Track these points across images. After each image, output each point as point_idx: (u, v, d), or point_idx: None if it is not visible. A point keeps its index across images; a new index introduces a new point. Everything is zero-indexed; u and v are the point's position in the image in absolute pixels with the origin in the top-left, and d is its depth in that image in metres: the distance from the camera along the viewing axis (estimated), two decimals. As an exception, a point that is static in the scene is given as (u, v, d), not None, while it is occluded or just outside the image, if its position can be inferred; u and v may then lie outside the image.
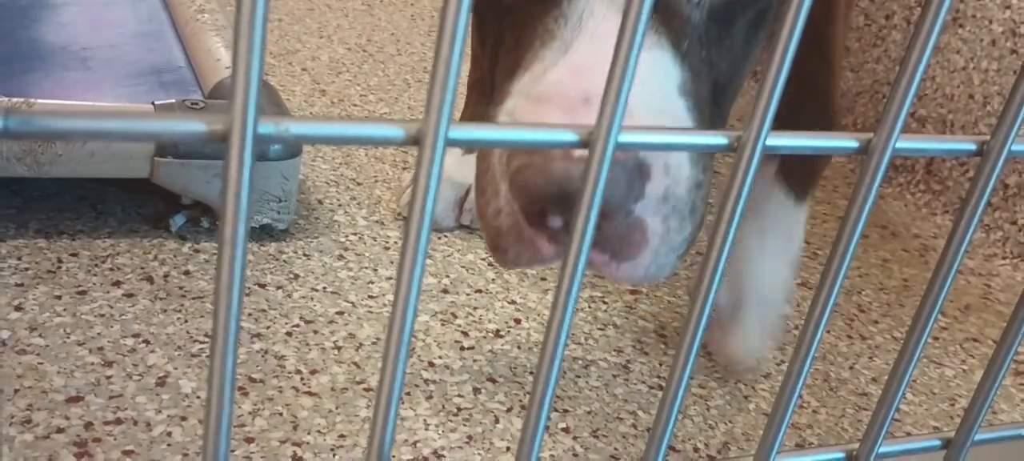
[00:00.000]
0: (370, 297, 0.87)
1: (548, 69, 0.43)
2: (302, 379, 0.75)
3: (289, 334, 0.81)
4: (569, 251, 0.36)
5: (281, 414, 0.71)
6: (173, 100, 0.88)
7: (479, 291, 0.91)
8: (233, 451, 0.67)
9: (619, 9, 0.43)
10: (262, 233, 0.94)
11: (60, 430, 0.66)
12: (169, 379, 0.73)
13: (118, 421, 0.68)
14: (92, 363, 0.73)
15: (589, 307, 0.92)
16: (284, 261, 0.91)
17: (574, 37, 0.43)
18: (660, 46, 0.43)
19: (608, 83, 0.34)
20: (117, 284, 0.83)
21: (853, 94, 1.36)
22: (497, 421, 0.75)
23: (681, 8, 0.44)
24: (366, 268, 0.92)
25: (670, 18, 0.44)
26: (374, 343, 0.81)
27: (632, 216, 0.43)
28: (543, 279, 0.95)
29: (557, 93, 0.42)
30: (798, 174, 0.79)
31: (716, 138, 0.37)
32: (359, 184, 1.07)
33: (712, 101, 0.47)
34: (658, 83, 0.43)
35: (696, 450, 0.76)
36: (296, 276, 0.89)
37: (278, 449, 0.68)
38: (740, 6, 0.46)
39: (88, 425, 0.67)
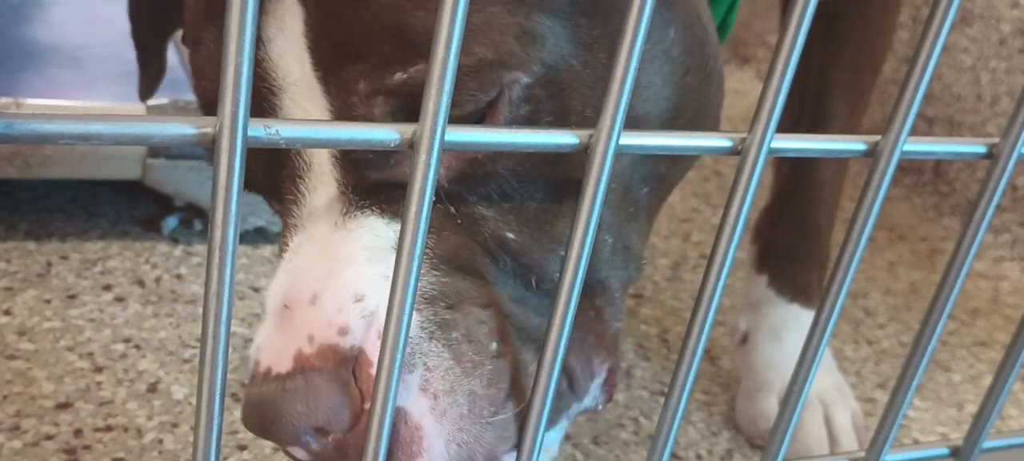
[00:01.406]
0: (367, 301, 0.86)
1: (272, 283, 0.44)
2: (296, 385, 0.74)
3: (283, 339, 0.79)
4: (567, 259, 0.35)
5: (275, 421, 0.70)
6: (166, 100, 0.87)
7: (478, 294, 0.90)
8: (225, 458, 0.66)
9: (336, 195, 0.43)
10: (256, 236, 0.93)
11: (49, 437, 0.65)
12: (160, 385, 0.72)
13: (108, 428, 0.67)
14: (82, 369, 0.72)
15: (590, 311, 0.91)
16: (279, 264, 0.90)
17: (299, 245, 0.43)
18: (364, 216, 0.42)
19: (608, 88, 0.32)
20: (108, 288, 0.82)
21: (857, 94, 1.34)
22: (495, 428, 0.73)
23: (399, 173, 0.42)
24: (363, 271, 0.90)
25: (376, 188, 0.43)
26: (370, 348, 0.79)
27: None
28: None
29: (267, 303, 0.43)
30: (792, 281, 0.78)
31: (719, 141, 0.36)
32: (356, 185, 1.06)
33: (516, 268, 0.44)
34: (357, 253, 0.42)
35: (699, 457, 0.74)
36: (291, 279, 0.87)
37: (271, 457, 0.67)
38: (499, 156, 0.42)
39: (78, 432, 0.66)
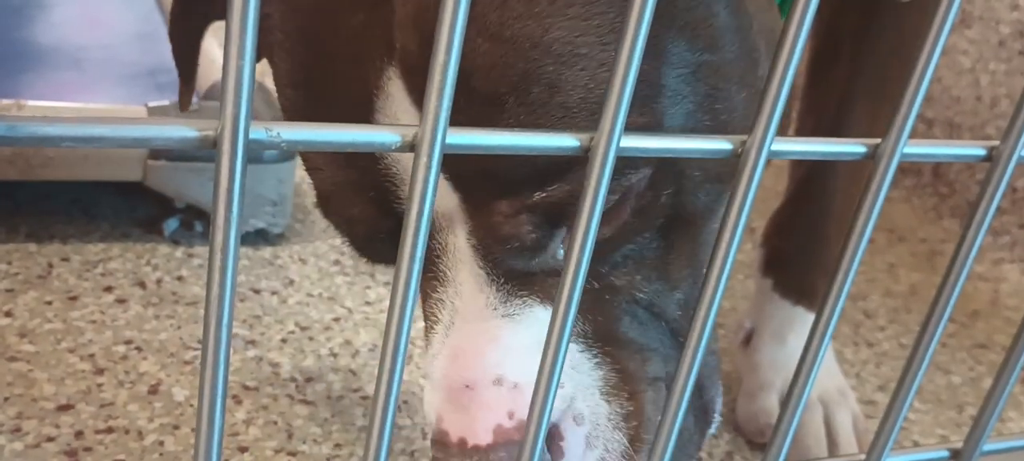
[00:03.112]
0: (366, 303, 0.86)
1: (435, 355, 0.47)
2: (297, 387, 0.74)
3: (284, 341, 0.79)
4: (568, 261, 0.35)
5: (276, 423, 0.70)
6: (167, 101, 0.87)
7: (478, 296, 0.90)
8: (227, 460, 0.66)
9: (485, 282, 0.46)
10: (257, 238, 0.93)
11: (50, 439, 0.65)
12: (161, 387, 0.72)
13: (109, 430, 0.67)
14: (83, 370, 0.72)
15: (590, 312, 0.91)
16: (279, 266, 0.90)
17: (451, 321, 0.46)
18: (527, 306, 0.46)
19: (609, 88, 0.32)
20: (109, 289, 0.82)
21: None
22: (496, 430, 0.73)
23: (545, 265, 0.46)
24: (362, 273, 0.91)
25: (531, 278, 0.46)
26: (371, 350, 0.79)
27: None
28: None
29: (442, 381, 0.46)
30: (797, 284, 0.78)
31: (719, 144, 0.36)
32: (357, 187, 1.06)
33: (650, 319, 0.48)
34: (537, 344, 0.44)
35: (699, 459, 0.74)
36: (291, 282, 0.88)
37: (273, 458, 0.67)
38: (626, 232, 0.46)
39: (79, 434, 0.66)
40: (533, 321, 0.46)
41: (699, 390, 0.50)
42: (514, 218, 0.44)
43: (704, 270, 0.50)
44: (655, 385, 0.48)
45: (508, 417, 0.44)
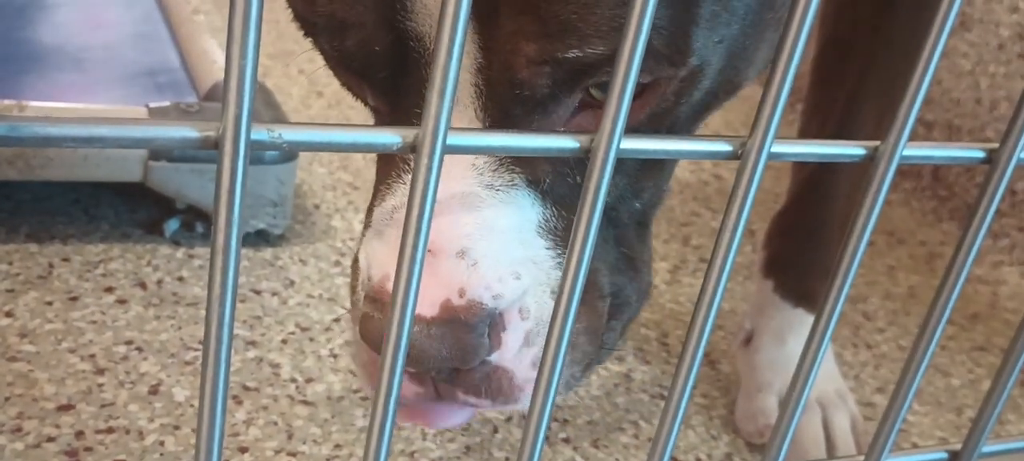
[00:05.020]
0: (367, 303, 0.86)
1: (399, 207, 0.44)
2: (297, 388, 0.74)
3: (284, 342, 0.79)
4: (570, 257, 0.35)
5: (276, 423, 0.70)
6: (168, 102, 0.87)
7: (478, 297, 0.90)
8: (227, 460, 0.66)
9: (479, 167, 0.43)
10: (257, 238, 0.93)
11: (51, 439, 0.65)
12: (162, 387, 0.72)
13: (110, 430, 0.67)
14: (83, 371, 0.72)
15: (590, 314, 0.91)
16: (279, 267, 0.90)
17: None
18: (513, 186, 0.44)
19: (610, 90, 0.32)
20: (109, 290, 0.82)
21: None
22: (496, 431, 0.73)
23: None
24: (363, 274, 0.91)
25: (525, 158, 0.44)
26: (371, 351, 0.79)
27: (490, 365, 0.44)
28: (543, 285, 0.94)
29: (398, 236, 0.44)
30: (798, 286, 0.78)
31: (719, 145, 0.36)
32: (356, 188, 1.06)
33: (604, 224, 0.47)
34: (510, 229, 0.44)
35: (698, 460, 0.74)
36: (292, 282, 0.88)
37: (273, 459, 0.67)
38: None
39: (79, 434, 0.66)
40: (517, 206, 0.43)
41: (622, 287, 0.49)
42: (537, 66, 0.40)
43: (666, 184, 0.50)
44: (603, 300, 0.47)
45: (459, 295, 0.42)
